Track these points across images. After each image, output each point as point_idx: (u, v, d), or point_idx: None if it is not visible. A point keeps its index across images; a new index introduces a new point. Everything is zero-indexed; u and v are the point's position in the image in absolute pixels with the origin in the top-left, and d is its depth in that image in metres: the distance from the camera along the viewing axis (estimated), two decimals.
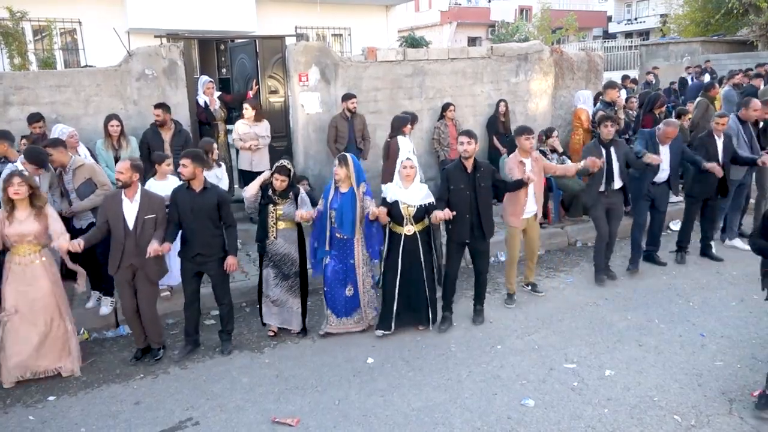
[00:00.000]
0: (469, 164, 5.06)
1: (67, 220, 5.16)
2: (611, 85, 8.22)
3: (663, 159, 6.13)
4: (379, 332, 5.13)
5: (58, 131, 5.88)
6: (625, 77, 13.42)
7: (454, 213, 4.81)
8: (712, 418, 3.83)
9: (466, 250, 5.39)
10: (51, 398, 4.40)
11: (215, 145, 6.37)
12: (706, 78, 14.14)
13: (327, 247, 5.03)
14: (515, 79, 9.14)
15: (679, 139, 6.39)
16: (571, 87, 9.58)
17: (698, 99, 9.02)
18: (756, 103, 6.78)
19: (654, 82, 14.51)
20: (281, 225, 5.04)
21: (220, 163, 6.45)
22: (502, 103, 8.61)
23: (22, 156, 5.20)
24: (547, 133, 7.93)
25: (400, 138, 6.94)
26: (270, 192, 5.04)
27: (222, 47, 12.41)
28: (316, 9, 13.38)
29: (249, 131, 7.30)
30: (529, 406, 4.05)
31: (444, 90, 8.66)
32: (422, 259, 5.05)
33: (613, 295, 5.88)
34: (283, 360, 4.82)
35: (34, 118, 6.23)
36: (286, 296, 5.16)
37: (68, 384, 4.60)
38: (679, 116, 8.43)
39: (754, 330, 5.05)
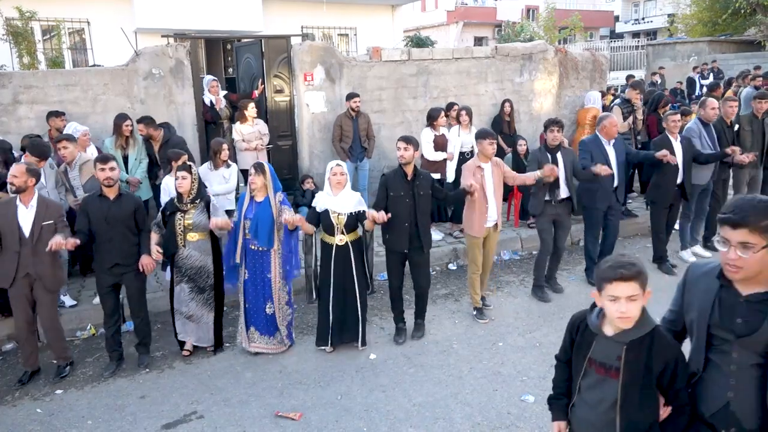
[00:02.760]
0: (408, 171, 4.78)
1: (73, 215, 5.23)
2: (636, 85, 8.18)
3: (611, 158, 5.82)
4: (321, 347, 4.89)
5: (71, 129, 6.01)
6: (629, 77, 13.42)
7: (389, 215, 4.55)
8: None
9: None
10: (59, 392, 4.49)
11: (225, 146, 6.36)
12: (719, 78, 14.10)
13: (237, 259, 4.71)
14: (519, 79, 9.17)
15: (621, 139, 6.07)
16: (575, 87, 9.60)
17: (702, 99, 9.02)
18: (712, 102, 6.53)
19: (660, 82, 14.51)
20: (192, 236, 4.70)
21: (230, 163, 6.43)
22: (507, 103, 8.61)
23: (26, 151, 5.30)
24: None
25: (423, 131, 7.03)
26: (176, 200, 4.73)
27: (228, 47, 12.48)
28: (322, 9, 13.42)
29: (252, 131, 7.36)
30: (529, 401, 4.09)
31: (448, 90, 8.71)
32: (354, 272, 4.73)
33: None
34: (285, 356, 4.87)
35: (59, 114, 6.42)
36: (202, 311, 4.86)
37: (75, 378, 4.69)
38: (683, 116, 8.43)
39: None
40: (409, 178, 4.77)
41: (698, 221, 6.84)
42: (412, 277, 5.07)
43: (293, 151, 8.32)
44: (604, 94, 9.08)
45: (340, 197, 4.65)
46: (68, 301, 5.66)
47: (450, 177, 7.15)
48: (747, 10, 20.39)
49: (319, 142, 8.11)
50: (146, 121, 6.57)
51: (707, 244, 6.87)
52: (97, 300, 5.70)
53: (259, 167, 4.67)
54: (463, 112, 7.46)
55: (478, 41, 33.20)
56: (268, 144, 7.66)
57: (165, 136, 6.66)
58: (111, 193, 4.54)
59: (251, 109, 7.32)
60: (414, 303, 5.20)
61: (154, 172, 6.73)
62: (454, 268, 6.86)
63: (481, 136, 5.24)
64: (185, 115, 7.42)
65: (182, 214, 4.69)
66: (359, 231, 4.80)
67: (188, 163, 4.87)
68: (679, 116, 6.20)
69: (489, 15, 34.97)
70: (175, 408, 4.20)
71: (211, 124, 7.80)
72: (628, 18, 43.44)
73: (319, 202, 4.72)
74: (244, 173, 7.58)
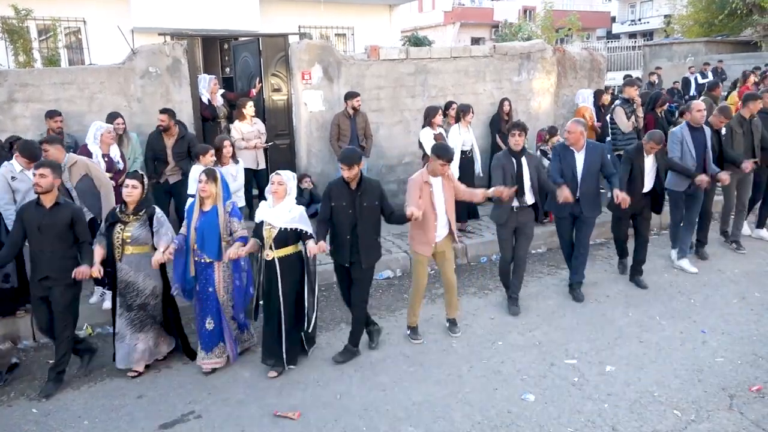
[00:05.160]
0: (353, 182, 4.48)
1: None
2: (630, 82, 8.15)
3: (577, 167, 5.53)
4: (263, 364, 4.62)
5: (96, 126, 5.95)
6: (626, 77, 13.39)
7: (330, 248, 4.41)
8: (712, 413, 3.84)
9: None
10: None
11: (227, 142, 6.29)
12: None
13: (192, 273, 4.48)
14: (518, 78, 9.15)
15: (600, 149, 5.70)
16: (573, 86, 9.59)
17: (702, 98, 9.02)
18: (698, 104, 6.28)
19: (657, 82, 14.51)
20: (128, 249, 4.42)
21: (238, 159, 6.38)
22: (506, 102, 8.58)
23: (17, 152, 5.26)
24: (551, 132, 7.93)
25: (423, 131, 6.97)
26: (118, 210, 4.49)
27: (225, 47, 12.43)
28: (319, 8, 13.40)
29: (252, 129, 7.33)
30: (529, 400, 4.07)
31: (446, 89, 8.69)
32: (280, 291, 4.39)
33: (615, 293, 5.89)
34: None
35: (55, 113, 6.37)
36: (126, 330, 4.50)
37: (71, 378, 4.62)
38: (681, 115, 8.44)
39: (755, 327, 5.06)
40: (352, 188, 4.48)
41: (687, 231, 6.49)
42: (351, 291, 4.69)
43: (291, 150, 8.28)
44: (602, 93, 9.02)
45: (276, 209, 4.38)
46: None
47: (454, 175, 7.12)
48: (743, 11, 20.46)
49: (317, 141, 8.08)
50: (170, 112, 6.61)
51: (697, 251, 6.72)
52: (93, 299, 5.68)
53: (210, 174, 4.45)
54: (469, 111, 7.42)
55: (475, 42, 33.18)
56: (267, 141, 7.62)
57: (180, 131, 6.70)
58: (47, 201, 4.28)
59: (249, 108, 7.29)
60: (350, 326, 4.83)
61: (157, 169, 6.66)
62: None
63: (435, 153, 4.77)
64: (182, 113, 7.36)
65: (122, 226, 4.43)
66: (299, 246, 4.48)
67: (140, 172, 4.65)
68: (658, 147, 5.79)
69: (486, 15, 35.06)
70: (173, 408, 4.15)
71: (208, 121, 7.75)
72: (625, 19, 43.51)
73: (258, 213, 4.49)
74: (246, 171, 7.56)
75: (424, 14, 35.25)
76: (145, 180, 4.55)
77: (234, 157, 6.15)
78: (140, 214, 4.46)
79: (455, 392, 4.21)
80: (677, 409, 3.93)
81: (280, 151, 8.23)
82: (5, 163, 5.29)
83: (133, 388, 4.45)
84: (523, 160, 5.32)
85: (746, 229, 7.29)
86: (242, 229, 4.53)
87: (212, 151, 5.81)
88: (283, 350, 4.50)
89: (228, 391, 4.35)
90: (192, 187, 5.81)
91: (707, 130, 6.28)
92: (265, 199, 4.56)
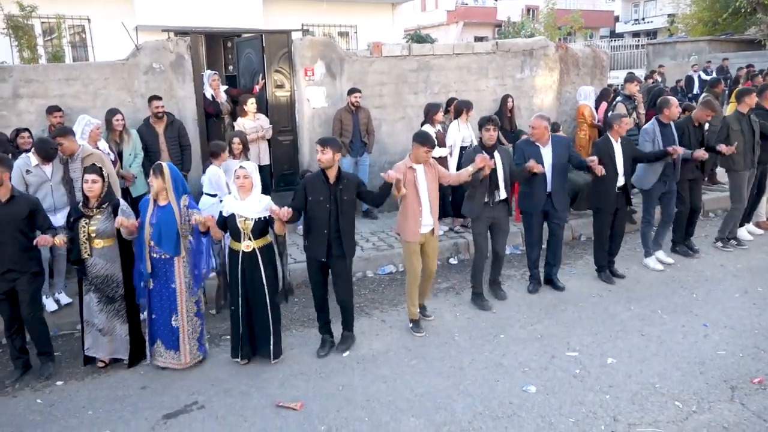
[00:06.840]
0: (331, 174, 4.47)
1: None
2: (631, 78, 8.10)
3: (545, 161, 5.48)
4: (234, 360, 4.64)
5: (84, 122, 5.98)
6: (629, 74, 13.37)
7: (304, 243, 4.47)
8: (713, 405, 3.85)
9: None
10: (59, 383, 4.48)
11: (237, 139, 6.20)
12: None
13: (149, 269, 4.43)
14: (520, 75, 9.16)
15: (565, 141, 5.77)
16: (576, 83, 9.57)
17: (703, 95, 9.00)
18: (674, 101, 6.21)
19: (660, 80, 14.51)
20: (97, 243, 4.41)
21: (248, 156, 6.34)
22: (509, 99, 8.56)
23: (33, 148, 5.31)
24: (553, 128, 7.91)
25: (425, 127, 6.98)
26: (81, 204, 4.48)
27: (229, 44, 12.49)
28: (322, 6, 13.44)
29: (254, 125, 7.36)
30: (530, 392, 4.08)
31: (449, 85, 8.70)
32: (264, 281, 4.46)
33: (617, 287, 5.89)
34: (287, 347, 4.84)
35: (54, 109, 6.41)
36: (113, 322, 4.56)
37: (76, 369, 4.66)
38: (684, 111, 8.42)
39: (757, 321, 5.06)
40: (331, 182, 4.49)
41: (664, 227, 6.46)
42: (333, 287, 4.73)
43: (294, 146, 8.31)
44: (609, 93, 8.99)
45: (247, 201, 4.42)
46: (63, 298, 5.59)
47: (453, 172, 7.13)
48: (747, 10, 20.40)
49: (319, 137, 8.07)
50: (160, 99, 6.75)
51: (675, 248, 6.61)
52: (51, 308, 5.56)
53: (157, 168, 4.40)
54: (469, 107, 7.38)
55: (479, 41, 33.16)
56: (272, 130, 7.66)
57: (169, 117, 6.85)
58: (2, 194, 4.29)
59: (250, 104, 7.32)
60: (341, 315, 4.85)
61: (150, 159, 6.62)
62: (455, 262, 6.85)
63: (418, 140, 4.82)
64: (186, 109, 7.41)
65: (87, 221, 4.39)
66: (269, 237, 4.57)
67: (98, 165, 4.55)
68: (627, 119, 5.77)
69: (489, 15, 35.02)
70: (176, 399, 4.18)
71: (212, 117, 7.78)
72: (628, 18, 43.43)
73: (226, 206, 4.50)
74: None
75: (427, 13, 35.27)
76: (105, 173, 4.47)
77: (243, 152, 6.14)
78: (104, 207, 4.44)
79: (457, 384, 4.22)
80: (678, 400, 3.93)
81: (283, 147, 8.27)
82: (23, 155, 5.36)
83: (137, 378, 4.49)
84: (496, 154, 5.29)
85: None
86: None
87: (226, 147, 5.83)
88: (272, 341, 4.56)
89: (231, 382, 4.38)
90: (207, 186, 5.79)
91: (673, 126, 6.22)
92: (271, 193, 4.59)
